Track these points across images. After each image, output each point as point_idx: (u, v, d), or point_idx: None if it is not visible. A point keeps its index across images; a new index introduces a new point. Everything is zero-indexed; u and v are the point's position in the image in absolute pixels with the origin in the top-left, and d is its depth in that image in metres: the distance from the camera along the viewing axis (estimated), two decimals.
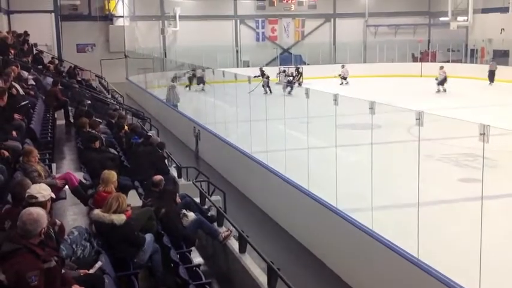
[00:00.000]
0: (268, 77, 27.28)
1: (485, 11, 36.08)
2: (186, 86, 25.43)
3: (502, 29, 34.69)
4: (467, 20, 36.76)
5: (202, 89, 23.61)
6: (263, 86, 22.11)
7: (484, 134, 5.36)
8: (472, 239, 5.96)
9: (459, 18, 36.94)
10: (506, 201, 9.65)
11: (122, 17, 35.93)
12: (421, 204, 6.70)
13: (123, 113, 13.64)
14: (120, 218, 5.42)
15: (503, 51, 34.91)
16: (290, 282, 5.24)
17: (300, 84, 32.26)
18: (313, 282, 7.65)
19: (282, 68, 33.13)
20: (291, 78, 31.03)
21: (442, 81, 27.65)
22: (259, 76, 28.11)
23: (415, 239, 6.38)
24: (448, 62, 35.61)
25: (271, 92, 22.28)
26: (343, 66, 33.25)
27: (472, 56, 37.57)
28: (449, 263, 6.57)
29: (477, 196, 6.06)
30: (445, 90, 27.59)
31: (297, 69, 32.97)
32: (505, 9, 34.48)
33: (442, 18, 38.22)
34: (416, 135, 6.60)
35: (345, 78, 32.47)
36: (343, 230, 7.72)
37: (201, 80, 24.39)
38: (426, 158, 8.03)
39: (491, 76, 29.56)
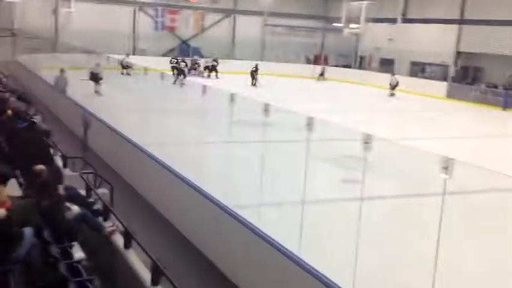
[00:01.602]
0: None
1: (376, 20, 38.15)
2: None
3: (390, 39, 36.87)
4: (359, 27, 38.67)
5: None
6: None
7: (367, 142, 5.72)
8: (349, 238, 6.30)
9: (352, 25, 38.76)
10: (383, 202, 10.32)
11: None
12: (305, 203, 6.99)
13: (7, 95, 12.86)
14: None
15: (389, 59, 37.15)
16: (175, 281, 5.24)
17: (210, 76, 32.72)
18: (199, 281, 7.69)
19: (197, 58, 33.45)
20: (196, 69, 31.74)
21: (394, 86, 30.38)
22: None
23: (297, 237, 6.63)
24: (338, 66, 37.28)
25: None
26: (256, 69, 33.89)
27: (361, 62, 39.61)
28: (327, 261, 6.90)
29: (357, 196, 6.44)
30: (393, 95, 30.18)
31: (215, 60, 33.34)
32: (393, 20, 36.69)
33: (335, 24, 39.87)
34: (305, 136, 6.87)
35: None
36: (230, 227, 7.84)
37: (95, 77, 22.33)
38: (313, 158, 8.37)
39: (394, 87, 31.21)
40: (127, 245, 6.21)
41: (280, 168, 10.92)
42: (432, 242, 5.29)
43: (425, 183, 9.32)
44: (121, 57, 27.00)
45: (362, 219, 6.13)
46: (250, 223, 7.45)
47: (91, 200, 7.92)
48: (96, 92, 20.27)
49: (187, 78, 28.45)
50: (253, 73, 32.02)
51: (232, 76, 32.94)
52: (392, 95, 30.82)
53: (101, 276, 5.87)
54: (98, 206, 7.62)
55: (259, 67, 32.53)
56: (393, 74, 31.82)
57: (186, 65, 31.89)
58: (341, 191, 10.88)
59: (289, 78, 35.44)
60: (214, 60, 33.96)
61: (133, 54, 36.38)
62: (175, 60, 31.13)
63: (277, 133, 10.02)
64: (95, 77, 20.74)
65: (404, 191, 11.26)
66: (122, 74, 24.81)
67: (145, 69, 13.36)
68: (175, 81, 24.62)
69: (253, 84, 31.60)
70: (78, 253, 6.13)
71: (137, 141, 11.96)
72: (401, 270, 7.80)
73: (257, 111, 7.86)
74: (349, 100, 29.12)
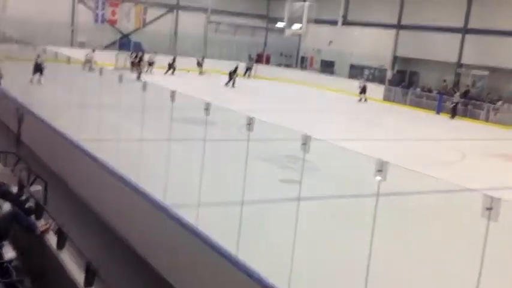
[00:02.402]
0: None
1: (317, 21, 38.74)
2: None
3: (330, 41, 37.60)
4: (301, 28, 39.18)
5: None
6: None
7: (305, 144, 5.82)
8: (287, 237, 6.40)
9: (294, 26, 39.21)
10: (321, 202, 10.53)
11: None
12: (244, 203, 7.03)
13: None
14: None
15: (330, 61, 37.89)
16: (110, 281, 5.16)
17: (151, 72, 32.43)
18: (134, 281, 7.60)
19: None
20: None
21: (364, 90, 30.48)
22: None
23: (235, 238, 6.67)
24: (280, 65, 37.68)
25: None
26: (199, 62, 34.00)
27: (302, 63, 40.19)
28: (265, 261, 6.98)
29: (295, 196, 6.54)
30: (366, 100, 30.35)
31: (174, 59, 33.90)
32: (334, 22, 37.41)
33: (278, 24, 40.24)
34: (247, 135, 6.90)
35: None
36: (167, 227, 7.79)
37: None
38: (254, 158, 8.44)
39: (363, 91, 31.30)
40: (60, 245, 6.05)
41: (220, 168, 10.93)
42: (366, 242, 5.45)
43: (361, 184, 9.58)
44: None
45: (300, 219, 6.24)
46: (188, 222, 7.43)
47: (23, 197, 7.66)
48: (38, 82, 19.75)
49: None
50: (232, 74, 31.94)
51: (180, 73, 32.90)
52: (363, 100, 30.73)
53: (33, 277, 5.70)
54: (31, 203, 7.38)
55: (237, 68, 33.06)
56: (361, 78, 32.39)
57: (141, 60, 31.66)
58: (280, 191, 11.01)
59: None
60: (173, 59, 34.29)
61: (71, 46, 35.42)
62: (136, 55, 31.45)
63: (217, 132, 10.02)
64: (39, 68, 20.44)
65: (340, 192, 11.54)
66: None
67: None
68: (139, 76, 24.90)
69: (232, 85, 31.62)
70: (9, 253, 5.93)
71: (73, 136, 11.66)
72: (336, 269, 7.99)
73: (198, 109, 7.84)
74: (290, 100, 29.46)
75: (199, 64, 35.77)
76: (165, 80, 29.57)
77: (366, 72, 36.04)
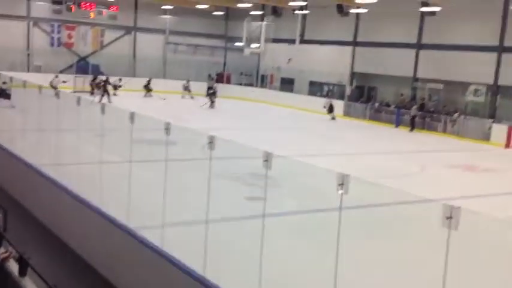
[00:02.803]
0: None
1: (275, 40, 39.27)
2: None
3: (289, 59, 38.09)
4: (259, 47, 39.63)
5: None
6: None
7: (266, 160, 5.88)
8: (254, 255, 6.42)
9: (252, 45, 39.63)
10: (286, 218, 10.58)
11: None
12: (209, 221, 7.02)
13: None
14: None
15: (290, 79, 38.34)
16: None
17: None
18: None
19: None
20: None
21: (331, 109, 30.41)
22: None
23: (202, 257, 6.65)
24: (241, 84, 37.93)
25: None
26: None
27: (262, 81, 40.54)
28: (233, 279, 6.96)
29: (260, 213, 6.57)
30: (334, 118, 30.21)
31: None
32: (292, 41, 37.98)
33: (237, 44, 40.58)
34: (209, 154, 6.91)
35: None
36: (133, 249, 7.70)
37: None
38: (217, 176, 8.44)
39: (331, 109, 31.44)
40: (22, 272, 5.91)
41: (183, 187, 10.87)
42: (331, 256, 5.51)
43: (324, 198, 9.69)
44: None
45: (266, 235, 6.27)
46: (154, 244, 7.36)
47: None
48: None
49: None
50: (211, 96, 32.23)
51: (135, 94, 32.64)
52: (333, 118, 30.95)
53: None
54: None
55: (217, 89, 33.41)
56: (328, 97, 32.44)
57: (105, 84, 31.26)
58: (245, 208, 11.02)
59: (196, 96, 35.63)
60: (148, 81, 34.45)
61: (28, 71, 34.83)
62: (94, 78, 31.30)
63: (179, 152, 9.99)
64: (4, 93, 20.60)
65: (304, 207, 11.62)
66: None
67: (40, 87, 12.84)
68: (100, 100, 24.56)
69: (211, 106, 31.80)
70: None
71: (31, 161, 11.44)
72: (304, 284, 8.02)
73: (158, 130, 7.82)
74: (250, 118, 29.63)
75: (187, 88, 35.68)
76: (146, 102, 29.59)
77: (325, 88, 36.60)
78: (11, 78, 16.18)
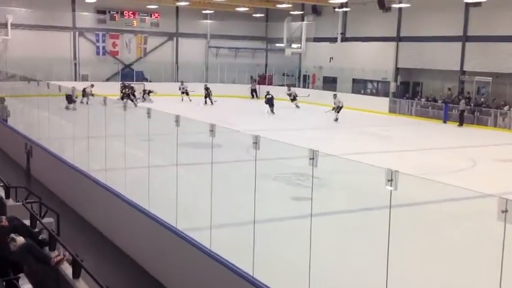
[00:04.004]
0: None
1: (316, 40, 39.02)
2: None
3: (331, 58, 37.77)
4: (301, 47, 39.48)
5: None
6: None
7: (313, 158, 5.79)
8: (302, 255, 6.34)
9: (293, 45, 39.52)
10: (332, 217, 10.45)
11: None
12: (256, 222, 6.99)
13: None
14: None
15: (332, 77, 38.00)
16: None
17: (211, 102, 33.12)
18: None
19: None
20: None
21: (339, 109, 28.18)
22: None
23: (250, 257, 6.62)
24: (283, 85, 37.85)
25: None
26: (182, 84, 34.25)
27: (304, 81, 40.32)
28: (281, 279, 6.92)
29: (307, 213, 6.49)
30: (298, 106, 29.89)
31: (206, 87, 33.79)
32: (333, 39, 37.66)
33: (278, 45, 40.52)
34: (253, 155, 6.89)
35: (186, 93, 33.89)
36: (183, 251, 7.75)
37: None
38: (263, 177, 8.41)
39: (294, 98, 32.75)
40: (76, 274, 6.03)
41: (230, 189, 10.91)
42: (382, 255, 5.38)
43: (372, 196, 9.53)
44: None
45: (313, 235, 6.18)
46: (203, 245, 7.38)
47: (36, 230, 7.65)
48: (67, 108, 20.84)
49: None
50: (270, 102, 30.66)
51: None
52: (297, 106, 32.22)
53: None
54: (44, 235, 7.37)
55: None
56: (335, 96, 29.71)
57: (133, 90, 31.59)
58: (292, 209, 10.96)
59: (237, 99, 35.77)
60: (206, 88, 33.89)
61: (75, 80, 35.77)
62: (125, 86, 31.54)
63: (224, 153, 10.02)
64: (69, 98, 22.45)
65: (352, 206, 11.46)
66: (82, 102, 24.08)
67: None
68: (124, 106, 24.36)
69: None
70: (25, 285, 5.91)
71: (82, 167, 11.70)
72: (354, 284, 7.90)
73: (203, 132, 7.85)
74: (295, 119, 29.49)
75: (293, 97, 33.33)
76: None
77: (369, 86, 36.10)
78: (59, 87, 16.68)
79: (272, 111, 29.85)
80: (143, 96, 32.04)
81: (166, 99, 32.13)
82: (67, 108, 20.29)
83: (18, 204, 8.94)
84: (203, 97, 33.29)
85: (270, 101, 30.11)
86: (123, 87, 32.16)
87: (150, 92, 32.73)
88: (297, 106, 32.46)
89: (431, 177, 8.89)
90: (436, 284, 7.99)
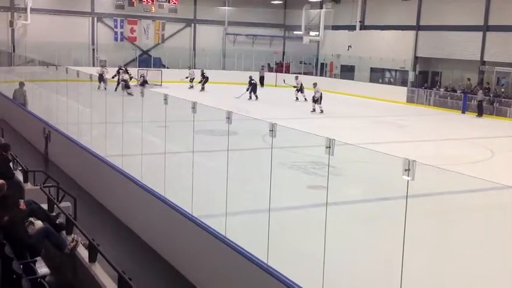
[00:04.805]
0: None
1: (335, 27, 38.70)
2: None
3: (349, 46, 37.44)
4: (319, 35, 39.18)
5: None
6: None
7: (329, 147, 5.75)
8: (317, 243, 6.33)
9: (311, 33, 39.23)
10: (348, 206, 10.42)
11: None
12: (272, 210, 6.98)
13: None
14: None
15: (350, 66, 37.71)
16: None
17: (203, 89, 32.39)
18: None
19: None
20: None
21: (318, 99, 26.59)
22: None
23: (265, 245, 6.62)
24: (300, 73, 37.63)
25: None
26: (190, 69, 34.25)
27: (322, 69, 40.06)
28: (295, 268, 6.91)
29: (323, 202, 6.46)
30: (322, 111, 26.43)
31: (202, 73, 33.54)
32: (352, 27, 37.31)
33: (296, 32, 40.26)
34: (270, 143, 6.86)
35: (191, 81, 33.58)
36: (197, 237, 7.78)
37: None
38: (279, 165, 8.41)
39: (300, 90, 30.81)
40: (92, 259, 6.08)
41: (245, 177, 10.91)
42: (398, 245, 5.34)
43: (388, 186, 9.46)
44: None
45: (329, 224, 6.16)
46: (218, 232, 7.40)
47: (53, 213, 7.73)
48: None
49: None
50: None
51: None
52: (298, 99, 30.05)
53: None
54: (61, 219, 7.45)
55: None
56: (315, 85, 27.99)
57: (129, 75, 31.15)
58: (308, 198, 10.94)
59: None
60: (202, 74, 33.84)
61: (93, 65, 35.95)
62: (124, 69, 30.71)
63: (240, 141, 10.01)
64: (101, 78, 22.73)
65: (368, 195, 11.41)
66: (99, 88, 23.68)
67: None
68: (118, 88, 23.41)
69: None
70: (42, 268, 5.98)
71: (99, 152, 11.78)
72: (369, 274, 7.87)
73: (218, 120, 7.84)
74: (311, 107, 29.33)
75: (300, 87, 30.97)
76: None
77: (387, 75, 35.78)
78: (77, 73, 16.76)
79: (255, 96, 30.09)
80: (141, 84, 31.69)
81: (178, 85, 32.20)
82: (99, 88, 19.79)
83: (36, 188, 9.03)
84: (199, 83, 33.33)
85: (254, 87, 30.21)
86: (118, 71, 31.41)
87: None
88: (305, 99, 29.73)
89: (449, 167, 8.82)
90: (452, 276, 7.93)
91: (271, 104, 28.92)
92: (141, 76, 31.88)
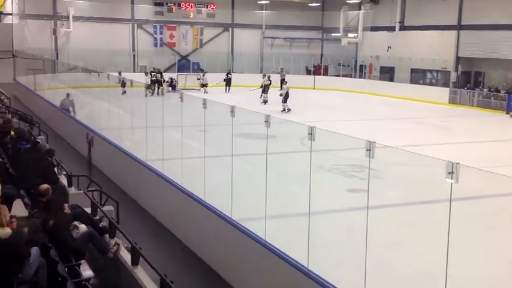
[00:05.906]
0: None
1: (373, 29, 38.25)
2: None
3: (389, 47, 36.93)
4: (357, 37, 38.79)
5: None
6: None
7: (369, 150, 5.68)
8: (358, 247, 6.26)
9: (350, 34, 38.88)
10: (389, 210, 10.25)
11: (11, 14, 34.04)
12: (311, 214, 6.94)
13: (9, 116, 12.89)
14: (4, 232, 5.11)
15: (389, 67, 37.20)
16: None
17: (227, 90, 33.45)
18: None
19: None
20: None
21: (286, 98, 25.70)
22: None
23: (305, 249, 6.58)
24: (339, 76, 37.37)
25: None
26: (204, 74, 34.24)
27: (361, 71, 39.65)
28: (336, 272, 6.85)
29: (363, 206, 6.38)
30: (289, 110, 25.43)
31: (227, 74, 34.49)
32: (391, 28, 36.81)
33: (334, 34, 39.97)
34: (308, 146, 6.83)
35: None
36: (237, 240, 7.80)
37: None
38: (318, 168, 8.35)
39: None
40: (134, 262, 6.18)
41: (284, 180, 10.88)
42: (442, 249, 5.23)
43: (431, 189, 9.27)
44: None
45: (369, 228, 6.08)
46: (258, 236, 7.40)
47: (97, 217, 7.89)
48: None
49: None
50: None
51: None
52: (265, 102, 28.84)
53: None
54: (104, 223, 7.59)
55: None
56: (264, 75, 29.02)
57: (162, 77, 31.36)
58: (348, 201, 10.83)
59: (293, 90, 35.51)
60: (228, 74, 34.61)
61: (134, 71, 36.57)
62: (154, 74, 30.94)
63: (279, 144, 9.98)
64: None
65: (410, 199, 11.20)
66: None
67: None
68: (152, 93, 23.12)
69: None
70: (86, 271, 6.10)
71: (140, 157, 11.96)
72: (411, 278, 7.73)
73: (256, 123, 7.84)
74: (350, 110, 29.07)
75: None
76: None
77: (428, 75, 35.15)
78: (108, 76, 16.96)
79: (228, 90, 32.11)
80: (171, 85, 31.76)
81: (213, 89, 32.40)
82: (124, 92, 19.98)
83: (80, 192, 9.24)
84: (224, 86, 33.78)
85: (228, 82, 32.26)
86: (152, 72, 31.27)
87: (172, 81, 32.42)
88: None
89: (494, 170, 8.57)
90: (496, 280, 7.71)
91: (311, 107, 28.74)
92: (170, 78, 32.34)
